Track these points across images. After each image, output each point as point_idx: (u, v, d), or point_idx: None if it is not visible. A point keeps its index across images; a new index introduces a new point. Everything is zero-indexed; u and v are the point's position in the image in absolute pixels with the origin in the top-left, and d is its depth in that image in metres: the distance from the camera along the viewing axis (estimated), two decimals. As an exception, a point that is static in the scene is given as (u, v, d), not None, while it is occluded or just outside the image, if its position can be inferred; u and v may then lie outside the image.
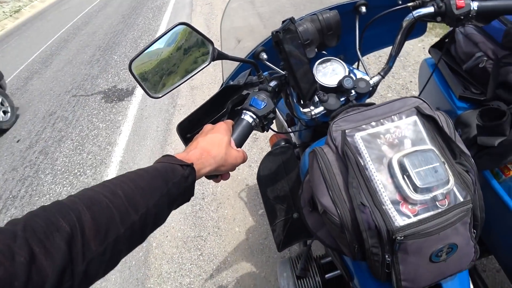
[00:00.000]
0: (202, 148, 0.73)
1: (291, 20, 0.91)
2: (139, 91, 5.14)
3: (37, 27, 13.91)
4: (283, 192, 1.23)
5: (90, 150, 4.21)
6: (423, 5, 1.05)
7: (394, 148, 0.77)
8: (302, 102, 1.02)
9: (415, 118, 0.81)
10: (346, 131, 0.79)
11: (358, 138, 0.77)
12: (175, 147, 3.73)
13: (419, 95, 1.27)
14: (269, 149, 1.47)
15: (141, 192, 0.58)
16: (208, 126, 0.80)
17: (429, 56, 1.61)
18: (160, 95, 0.86)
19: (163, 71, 0.88)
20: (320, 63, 1.11)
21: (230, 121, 0.85)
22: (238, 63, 1.14)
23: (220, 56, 0.85)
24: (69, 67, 7.39)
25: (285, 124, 1.56)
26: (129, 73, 0.84)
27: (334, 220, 0.75)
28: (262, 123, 0.87)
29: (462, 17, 0.96)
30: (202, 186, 3.01)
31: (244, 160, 0.81)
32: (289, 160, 1.27)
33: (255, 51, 1.17)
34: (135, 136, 4.14)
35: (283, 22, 0.89)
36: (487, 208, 0.80)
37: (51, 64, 8.02)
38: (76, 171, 3.92)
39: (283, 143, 1.44)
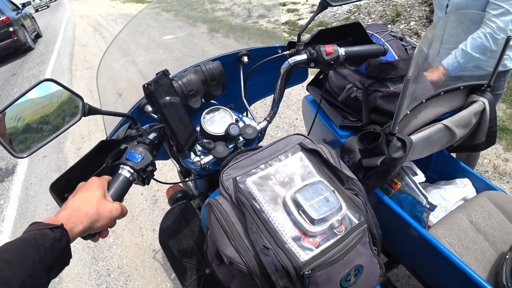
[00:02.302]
0: (72, 207, 0.69)
1: (164, 72, 0.91)
2: (21, 169, 4.54)
3: None
4: (189, 249, 1.19)
5: (-34, 246, 3.56)
6: (297, 53, 1.14)
7: (286, 186, 0.79)
8: (180, 152, 1.01)
9: (300, 154, 0.85)
10: (237, 178, 0.79)
11: (250, 183, 0.78)
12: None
13: (308, 132, 1.35)
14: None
15: (10, 266, 0.54)
16: (80, 184, 0.77)
17: (308, 93, 1.73)
18: (26, 155, 0.78)
19: (30, 129, 0.81)
20: (208, 112, 1.12)
21: (105, 177, 0.81)
22: (122, 117, 1.11)
23: (92, 111, 0.82)
24: None
25: (179, 175, 1.54)
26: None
27: (242, 269, 0.74)
28: (142, 177, 0.85)
29: (332, 62, 1.06)
30: (106, 261, 2.75)
31: (122, 212, 0.77)
32: (188, 214, 1.24)
33: (140, 103, 1.15)
34: (22, 220, 3.59)
35: (156, 74, 0.89)
36: (386, 222, 0.86)
37: None
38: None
39: (179, 195, 1.40)
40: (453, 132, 1.29)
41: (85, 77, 7.56)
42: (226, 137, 1.06)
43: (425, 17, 5.93)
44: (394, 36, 1.44)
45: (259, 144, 1.16)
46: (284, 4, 9.36)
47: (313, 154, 0.86)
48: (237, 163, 0.83)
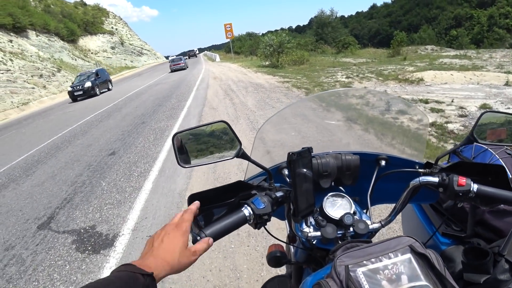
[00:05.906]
0: (159, 257, 0.77)
1: (309, 149, 1.09)
2: (120, 243, 4.02)
3: (36, 125, 13.95)
4: None
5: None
6: (431, 174, 1.19)
7: (393, 283, 0.84)
8: (294, 216, 1.11)
9: (409, 255, 0.90)
10: (349, 266, 0.87)
11: (360, 273, 0.85)
12: None
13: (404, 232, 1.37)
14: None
15: None
16: (169, 227, 0.86)
17: None
18: (186, 167, 1.07)
19: (197, 150, 1.12)
20: (333, 195, 1.22)
21: (190, 219, 0.90)
22: (261, 170, 1.26)
23: (243, 156, 1.06)
24: (50, 183, 6.56)
25: (287, 238, 1.63)
26: (171, 143, 0.99)
27: None
28: (256, 221, 1.01)
29: (461, 194, 1.09)
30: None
31: (206, 248, 0.86)
32: None
33: (280, 165, 1.32)
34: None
35: (302, 148, 1.07)
36: None
37: (33, 174, 7.33)
38: None
39: (278, 254, 1.47)
40: None
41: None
42: (339, 223, 1.14)
43: None
44: (509, 154, 1.45)
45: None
46: (426, 102, 8.85)
47: (422, 258, 0.90)
48: (350, 252, 0.91)
